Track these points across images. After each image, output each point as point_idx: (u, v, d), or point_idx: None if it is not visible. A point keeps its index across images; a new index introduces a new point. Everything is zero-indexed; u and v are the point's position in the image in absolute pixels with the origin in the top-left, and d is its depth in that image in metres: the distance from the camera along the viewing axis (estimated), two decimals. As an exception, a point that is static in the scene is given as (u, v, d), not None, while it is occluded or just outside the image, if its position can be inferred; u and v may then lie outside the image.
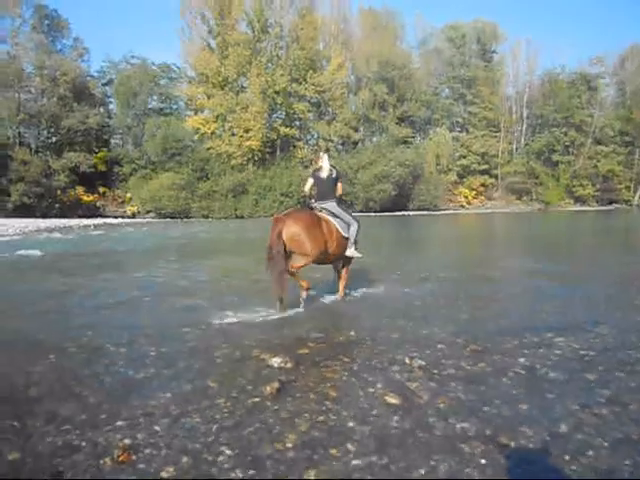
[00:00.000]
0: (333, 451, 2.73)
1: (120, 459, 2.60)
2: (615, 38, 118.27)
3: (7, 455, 2.66)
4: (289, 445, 2.79)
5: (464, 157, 59.84)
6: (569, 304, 6.62)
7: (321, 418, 3.14)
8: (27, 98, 49.56)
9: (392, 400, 3.42)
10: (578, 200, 60.86)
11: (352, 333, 5.13)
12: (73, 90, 49.72)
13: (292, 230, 6.17)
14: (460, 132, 62.65)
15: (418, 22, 65.26)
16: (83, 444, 2.78)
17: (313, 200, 7.04)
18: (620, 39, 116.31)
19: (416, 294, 7.37)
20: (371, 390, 3.61)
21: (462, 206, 58.63)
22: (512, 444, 2.84)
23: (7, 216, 41.66)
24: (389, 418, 3.15)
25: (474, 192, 60.36)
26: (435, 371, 3.99)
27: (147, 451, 2.71)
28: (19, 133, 48.77)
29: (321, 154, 7.32)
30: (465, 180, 60.42)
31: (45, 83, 48.95)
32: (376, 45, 54.56)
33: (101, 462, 2.60)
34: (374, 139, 58.49)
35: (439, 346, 4.65)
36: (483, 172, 60.76)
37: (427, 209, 52.93)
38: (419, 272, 9.57)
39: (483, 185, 61.14)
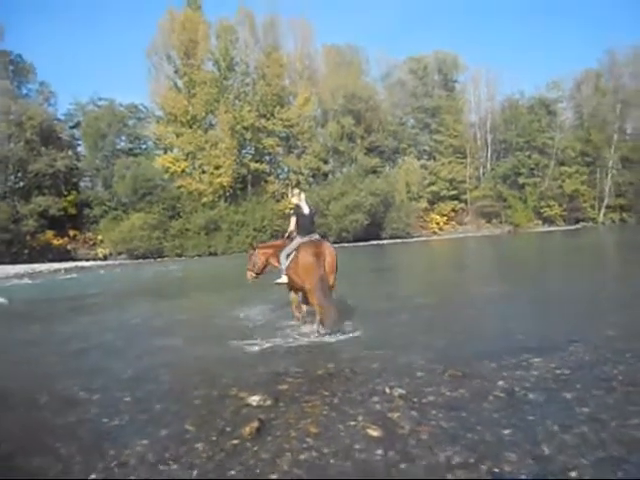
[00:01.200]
0: (315, 489, 2.70)
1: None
2: (569, 63, 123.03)
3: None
4: (271, 485, 2.74)
5: (433, 184, 60.98)
6: (543, 324, 6.72)
7: (302, 456, 3.09)
8: (-7, 144, 48.94)
9: (374, 432, 3.39)
10: (546, 220, 62.27)
11: (331, 365, 5.10)
12: (40, 134, 49.35)
13: (333, 253, 7.02)
14: (428, 160, 63.89)
15: (381, 56, 66.95)
16: (58, 499, 2.69)
17: (296, 236, 7.43)
18: (574, 64, 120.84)
19: (393, 322, 7.39)
20: (352, 423, 3.57)
21: (434, 232, 59.40)
22: (496, 470, 2.83)
23: (-26, 264, 40.58)
24: (372, 451, 3.12)
25: (445, 218, 61.33)
26: (415, 399, 3.98)
27: (124, 504, 2.63)
28: (-15, 179, 47.97)
29: (297, 192, 7.86)
30: (436, 206, 61.41)
31: (11, 128, 48.47)
32: (341, 79, 55.76)
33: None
34: (344, 170, 59.14)
35: (418, 374, 4.65)
36: (453, 198, 61.93)
37: (400, 237, 53.37)
38: (395, 300, 9.61)
39: (453, 210, 62.20)
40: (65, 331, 8.35)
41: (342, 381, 4.60)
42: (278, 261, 7.67)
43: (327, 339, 6.45)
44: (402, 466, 2.91)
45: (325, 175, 57.86)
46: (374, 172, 57.12)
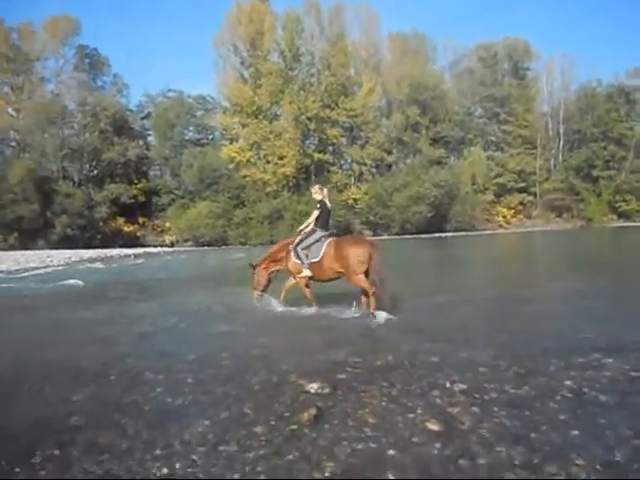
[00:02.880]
0: (373, 480, 2.66)
1: (158, 489, 2.59)
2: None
3: (48, 484, 2.68)
4: (328, 474, 2.71)
5: (500, 176, 59.13)
6: (617, 324, 6.35)
7: (360, 446, 3.04)
8: (70, 134, 51.66)
9: (433, 426, 3.30)
10: (622, 215, 58.85)
11: (390, 357, 5.01)
12: (113, 124, 51.56)
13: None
14: (495, 151, 62.08)
15: (448, 43, 65.43)
16: (122, 473, 2.77)
17: (316, 229, 7.86)
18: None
19: (455, 316, 7.20)
20: (411, 416, 3.49)
21: (500, 226, 57.70)
22: (562, 474, 2.69)
23: (52, 247, 43.04)
24: (430, 445, 3.03)
25: (512, 211, 59.43)
26: (477, 395, 3.85)
27: (184, 481, 2.69)
28: (63, 167, 50.70)
29: (319, 188, 8.17)
30: (502, 199, 59.60)
31: (87, 119, 50.93)
32: (407, 68, 54.96)
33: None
34: (408, 161, 58.45)
35: (480, 369, 4.50)
36: (521, 190, 59.86)
37: (464, 230, 52.24)
38: (458, 293, 9.38)
39: (521, 203, 60.18)
40: (133, 313, 8.67)
41: (401, 373, 4.51)
42: (287, 263, 7.99)
43: (386, 331, 6.38)
44: (461, 462, 2.81)
45: (389, 166, 57.38)
46: (439, 163, 56.16)
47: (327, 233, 7.85)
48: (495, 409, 3.56)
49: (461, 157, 61.14)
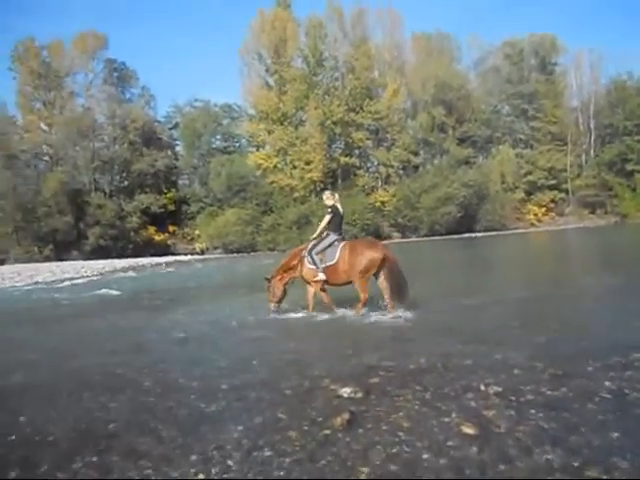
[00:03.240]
0: (409, 484, 2.63)
1: (195, 494, 2.61)
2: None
3: (89, 491, 2.73)
4: (363, 478, 2.71)
5: (530, 173, 58.14)
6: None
7: (395, 450, 3.02)
8: (100, 146, 52.83)
9: (468, 430, 3.25)
10: (659, 210, 57.29)
11: (422, 360, 4.97)
12: (142, 136, 52.55)
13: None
14: (524, 148, 61.11)
15: (473, 42, 64.72)
16: (159, 479, 2.81)
17: (329, 233, 8.00)
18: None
19: (488, 317, 7.10)
20: (446, 420, 3.45)
21: (532, 224, 56.71)
22: (604, 478, 2.63)
23: (85, 258, 43.99)
24: (467, 449, 2.99)
25: (544, 209, 58.35)
26: (513, 398, 3.79)
27: (221, 486, 2.71)
28: (94, 179, 51.81)
29: (329, 194, 8.39)
30: (533, 197, 58.57)
31: (116, 131, 52.01)
32: (431, 68, 54.64)
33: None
34: (435, 162, 58.00)
35: (515, 371, 4.42)
36: (552, 187, 58.73)
37: (495, 229, 51.51)
38: (490, 294, 9.24)
39: (553, 201, 59.04)
40: (166, 321, 8.79)
41: (434, 376, 4.46)
42: (301, 269, 8.04)
43: (417, 334, 6.33)
44: (499, 466, 2.77)
45: (415, 167, 57.04)
46: (466, 163, 55.59)
47: (340, 237, 7.97)
48: (532, 411, 3.50)
49: (489, 156, 60.38)
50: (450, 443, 3.08)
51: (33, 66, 52.72)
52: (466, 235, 48.15)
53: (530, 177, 57.98)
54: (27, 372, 5.41)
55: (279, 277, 8.16)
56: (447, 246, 32.95)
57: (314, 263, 7.83)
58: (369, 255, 7.41)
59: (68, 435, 3.50)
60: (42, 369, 5.58)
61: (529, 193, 58.42)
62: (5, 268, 35.10)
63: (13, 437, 3.55)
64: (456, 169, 53.03)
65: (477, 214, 52.77)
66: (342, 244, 7.79)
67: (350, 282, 7.77)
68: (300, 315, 7.87)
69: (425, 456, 2.92)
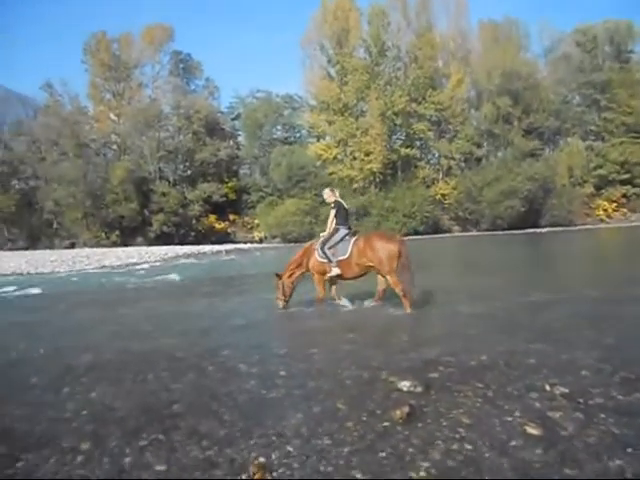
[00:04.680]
0: (470, 483, 2.56)
1: (256, 477, 2.63)
2: None
3: (154, 466, 2.82)
4: (422, 474, 2.65)
5: (600, 167, 55.36)
6: None
7: (455, 446, 2.95)
8: (165, 136, 54.40)
9: (532, 430, 3.13)
10: None
11: (484, 357, 4.83)
12: (205, 126, 53.73)
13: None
14: (594, 141, 58.29)
15: (543, 28, 62.18)
16: (221, 460, 2.86)
17: (339, 227, 8.01)
18: None
19: (554, 315, 6.83)
20: (508, 419, 3.34)
21: (601, 220, 54.14)
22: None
23: (149, 244, 45.60)
24: (530, 450, 2.88)
25: (614, 204, 55.50)
26: (580, 400, 3.62)
27: (281, 470, 2.72)
28: (159, 168, 53.40)
29: (329, 191, 8.40)
30: (603, 192, 55.80)
31: (181, 121, 53.40)
32: (498, 57, 52.90)
33: (238, 478, 2.65)
34: (499, 154, 56.34)
35: (583, 372, 4.23)
36: (624, 182, 55.66)
37: (561, 225, 49.59)
38: (556, 292, 8.90)
39: (625, 196, 56.02)
40: (226, 307, 8.97)
41: (497, 374, 4.33)
42: (308, 262, 8.13)
43: (478, 330, 6.17)
44: (565, 470, 2.66)
45: (478, 160, 55.60)
46: (532, 155, 53.67)
47: (350, 231, 8.03)
48: (602, 415, 3.33)
49: (557, 148, 58.11)
50: (513, 443, 2.98)
51: (104, 58, 54.87)
52: (530, 230, 46.56)
53: (600, 171, 55.22)
54: (96, 353, 5.64)
55: (288, 274, 8.20)
56: (510, 241, 32.00)
57: (327, 258, 7.88)
58: (385, 247, 7.46)
59: (134, 413, 3.63)
60: (108, 350, 5.80)
61: (599, 188, 55.68)
62: (75, 252, 36.89)
63: (85, 412, 3.71)
64: (521, 162, 51.34)
65: (542, 209, 50.95)
66: (354, 238, 7.84)
67: (361, 275, 7.94)
68: (355, 307, 7.84)
69: (487, 455, 2.84)
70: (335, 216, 8.04)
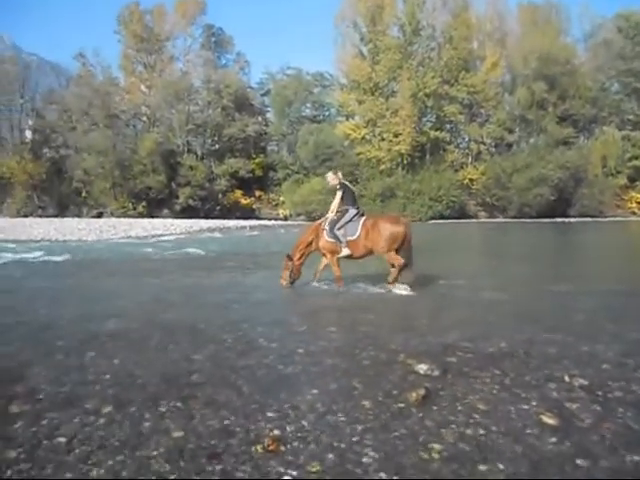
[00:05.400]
0: (482, 468, 2.56)
1: (270, 448, 2.68)
2: None
3: (173, 432, 2.88)
4: (435, 456, 2.66)
5: (636, 158, 53.71)
6: None
7: (469, 431, 2.96)
8: (195, 110, 54.54)
9: (548, 420, 3.12)
10: None
11: (503, 344, 4.80)
12: (235, 101, 53.71)
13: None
14: (632, 130, 56.51)
15: (584, 13, 60.21)
16: (237, 430, 2.92)
17: (347, 208, 8.09)
18: None
19: (577, 307, 6.75)
20: (524, 407, 3.33)
21: (633, 213, 52.74)
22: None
23: (175, 216, 46.11)
24: (545, 439, 2.87)
25: (649, 197, 54.00)
26: (599, 393, 3.58)
27: (295, 444, 2.76)
28: (187, 141, 53.69)
29: (332, 174, 8.43)
30: (638, 184, 54.31)
31: (211, 95, 53.45)
32: (536, 40, 51.40)
33: (252, 449, 2.70)
34: (531, 140, 55.17)
35: (604, 366, 4.18)
36: (660, 175, 54.08)
37: (590, 215, 48.58)
38: (582, 283, 8.78)
39: (659, 189, 54.48)
40: (248, 282, 9.09)
41: (515, 362, 4.30)
42: (317, 241, 8.19)
43: (498, 317, 6.13)
44: (578, 462, 2.64)
45: (509, 145, 54.57)
46: (565, 143, 52.39)
47: (359, 211, 8.13)
48: (620, 409, 3.30)
49: (591, 137, 56.60)
50: (528, 431, 2.97)
51: (136, 30, 55.02)
52: (559, 219, 45.76)
53: (636, 162, 53.62)
54: (119, 320, 5.77)
55: (298, 257, 8.26)
56: (538, 229, 31.51)
57: (336, 238, 7.95)
58: (392, 229, 7.63)
59: (155, 381, 3.72)
60: (132, 319, 5.93)
61: (633, 179, 54.15)
62: (102, 221, 37.53)
63: (107, 377, 3.81)
64: (553, 149, 50.22)
65: (572, 198, 49.96)
66: (363, 219, 7.95)
67: (368, 254, 8.06)
68: (377, 289, 7.85)
69: (500, 441, 2.84)
70: (342, 198, 8.10)
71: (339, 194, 8.10)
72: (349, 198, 8.14)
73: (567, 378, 3.84)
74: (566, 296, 7.52)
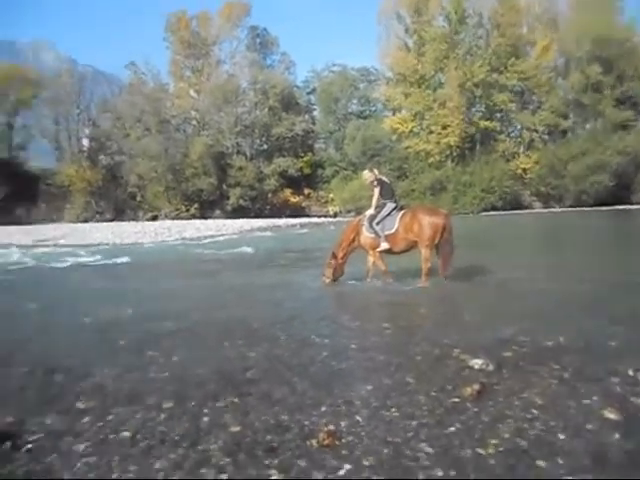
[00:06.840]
0: (540, 463, 2.50)
1: (325, 443, 2.71)
2: None
3: (230, 427, 2.95)
4: (491, 451, 2.62)
5: None
6: None
7: (526, 426, 2.89)
8: (243, 111, 55.28)
9: (611, 415, 3.01)
10: None
11: (562, 338, 4.66)
12: (281, 101, 54.19)
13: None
14: (696, 111, 53.60)
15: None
16: (292, 425, 2.96)
17: (385, 202, 8.13)
18: None
19: (640, 297, 6.48)
20: (585, 402, 3.23)
21: (701, 198, 49.99)
22: None
23: (226, 217, 46.98)
24: (608, 435, 2.77)
25: None
26: (667, 388, 3.44)
27: (350, 439, 2.77)
28: (236, 143, 54.51)
29: (367, 171, 8.60)
30: (703, 167, 51.42)
31: (258, 96, 54.09)
32: (589, 21, 49.23)
33: (308, 443, 2.73)
34: (587, 126, 53.10)
35: (671, 360, 4.00)
36: None
37: (655, 202, 46.40)
38: (643, 272, 8.40)
39: None
40: (300, 280, 9.15)
41: (574, 356, 4.16)
42: (359, 238, 8.26)
43: (558, 309, 5.95)
44: (644, 457, 2.55)
45: (564, 132, 52.68)
46: (624, 127, 50.08)
47: (398, 205, 8.18)
48: (689, 405, 3.15)
49: (653, 119, 53.99)
50: (589, 426, 2.88)
51: (184, 36, 56.31)
52: (619, 207, 43.88)
53: (703, 145, 50.81)
54: (176, 320, 5.93)
55: (342, 255, 8.32)
56: (597, 217, 30.33)
57: (375, 233, 7.98)
58: (431, 220, 7.62)
59: (212, 377, 3.81)
60: (189, 318, 6.08)
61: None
62: (157, 224, 38.62)
63: (167, 374, 3.94)
64: (611, 134, 48.17)
65: (633, 184, 47.82)
66: (401, 212, 7.97)
67: (408, 250, 8.05)
68: (429, 284, 7.76)
69: (560, 436, 2.76)
70: (380, 193, 8.14)
71: (377, 190, 8.16)
72: (387, 193, 8.19)
73: (631, 372, 3.70)
74: (629, 287, 7.23)
